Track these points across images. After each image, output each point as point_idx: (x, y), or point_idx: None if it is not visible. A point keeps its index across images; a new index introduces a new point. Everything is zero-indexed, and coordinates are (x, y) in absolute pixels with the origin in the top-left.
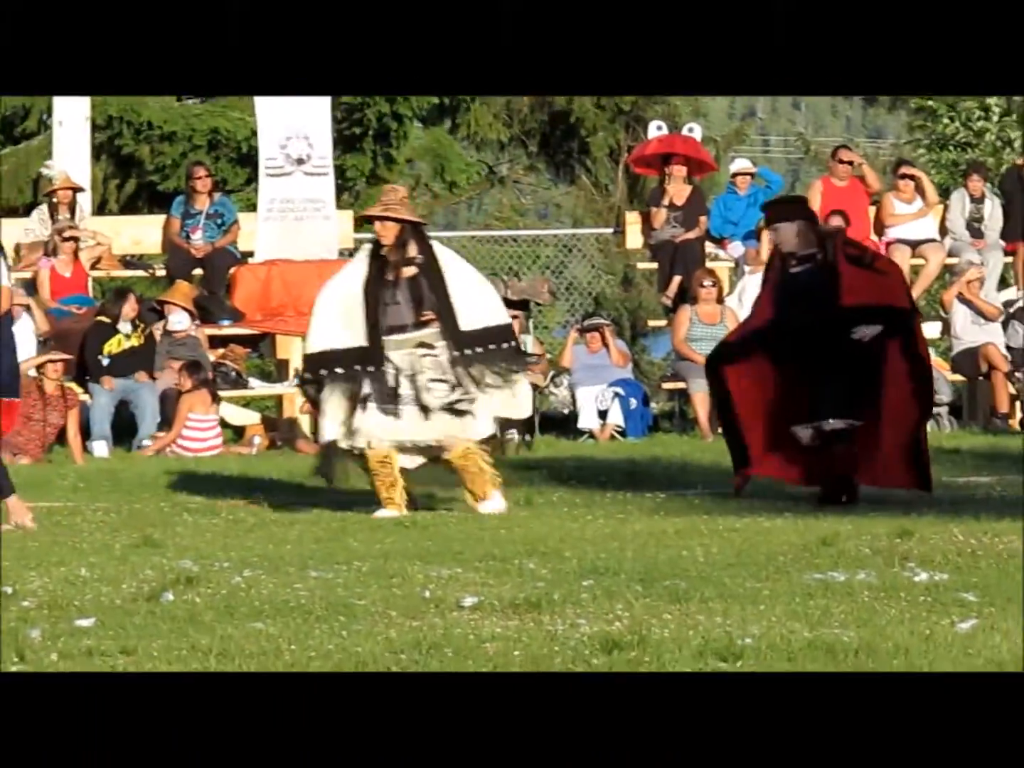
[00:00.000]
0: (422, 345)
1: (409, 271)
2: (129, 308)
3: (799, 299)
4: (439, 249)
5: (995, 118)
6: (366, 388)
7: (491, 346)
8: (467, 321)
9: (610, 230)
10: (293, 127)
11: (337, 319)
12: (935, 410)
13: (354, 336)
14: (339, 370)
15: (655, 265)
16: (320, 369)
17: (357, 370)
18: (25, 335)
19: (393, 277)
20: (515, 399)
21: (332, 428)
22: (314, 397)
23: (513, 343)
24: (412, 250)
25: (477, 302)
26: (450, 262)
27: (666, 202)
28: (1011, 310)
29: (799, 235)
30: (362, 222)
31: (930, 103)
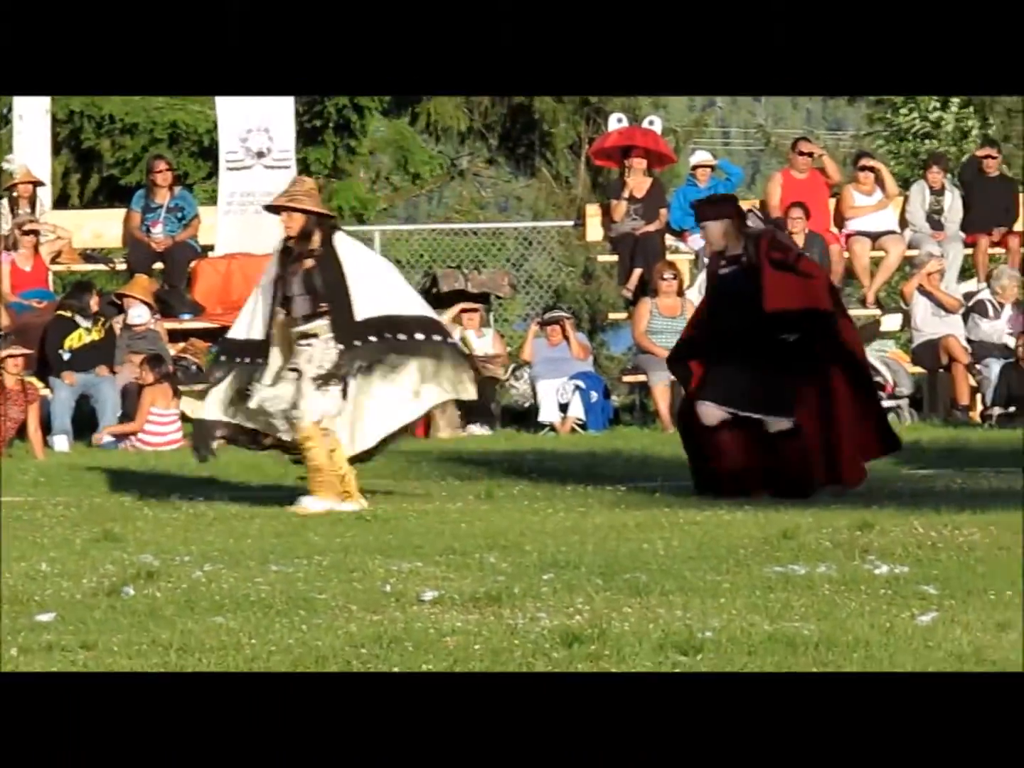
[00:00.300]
0: (303, 336)
1: (308, 263)
2: (94, 302)
3: (726, 300)
4: (343, 241)
5: (953, 108)
6: (255, 379)
7: (387, 335)
8: (364, 310)
9: (571, 223)
10: (253, 120)
11: (254, 310)
12: (895, 402)
13: (258, 328)
14: (247, 360)
15: (615, 258)
16: (235, 356)
17: (259, 363)
18: None
19: (294, 269)
20: (461, 383)
21: (213, 408)
22: (216, 378)
23: (420, 336)
24: (316, 242)
25: (381, 292)
26: (352, 253)
27: (626, 194)
28: (971, 302)
29: (725, 234)
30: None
31: None
